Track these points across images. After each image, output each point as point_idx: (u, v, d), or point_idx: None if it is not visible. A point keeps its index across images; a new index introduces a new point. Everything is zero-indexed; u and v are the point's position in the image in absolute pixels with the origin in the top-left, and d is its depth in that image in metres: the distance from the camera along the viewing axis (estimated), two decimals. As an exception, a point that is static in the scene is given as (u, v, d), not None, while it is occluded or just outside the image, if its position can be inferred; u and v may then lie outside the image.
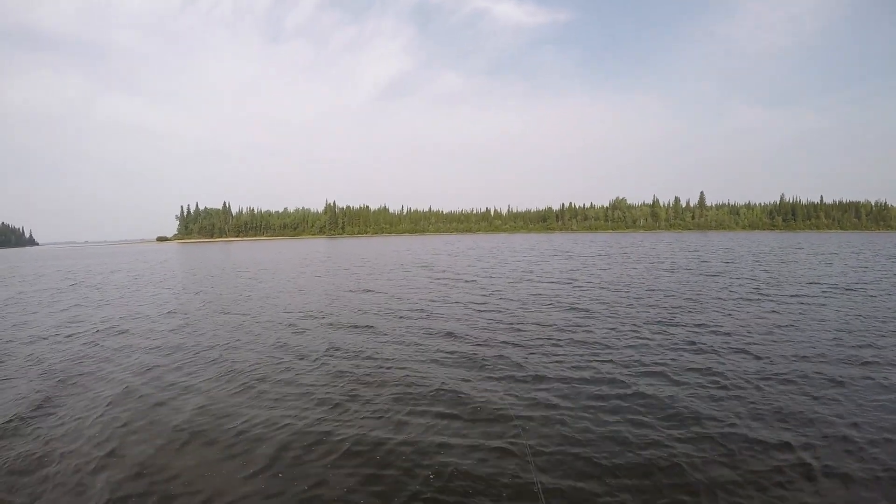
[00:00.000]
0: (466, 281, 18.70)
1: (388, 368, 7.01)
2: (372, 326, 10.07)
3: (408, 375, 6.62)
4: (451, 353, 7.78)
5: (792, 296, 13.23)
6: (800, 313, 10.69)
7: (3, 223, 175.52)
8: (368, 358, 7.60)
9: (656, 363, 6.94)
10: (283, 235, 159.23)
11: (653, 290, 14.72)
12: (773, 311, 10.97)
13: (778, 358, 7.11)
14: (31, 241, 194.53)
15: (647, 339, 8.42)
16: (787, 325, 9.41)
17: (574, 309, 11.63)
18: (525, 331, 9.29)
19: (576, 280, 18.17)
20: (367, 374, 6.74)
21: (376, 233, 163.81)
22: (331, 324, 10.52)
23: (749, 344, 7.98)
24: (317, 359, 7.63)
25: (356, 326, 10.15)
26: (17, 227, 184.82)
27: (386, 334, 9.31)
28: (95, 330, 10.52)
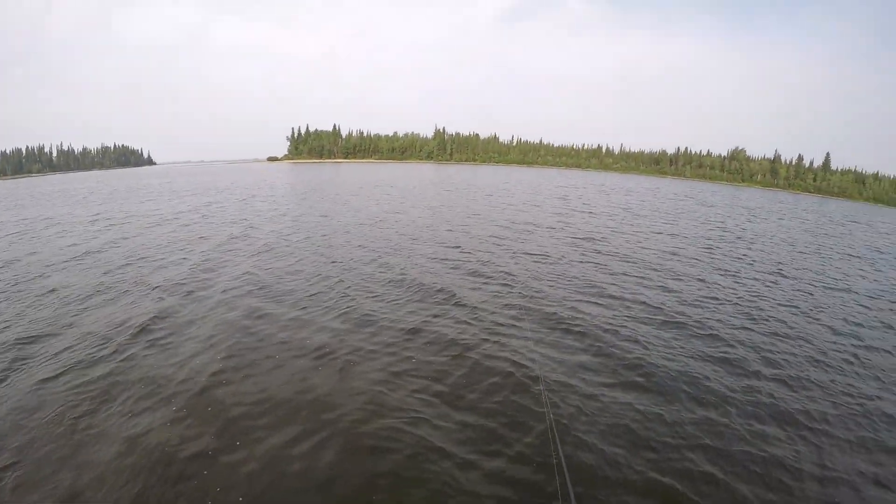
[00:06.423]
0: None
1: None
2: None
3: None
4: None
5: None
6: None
7: (123, 145, 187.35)
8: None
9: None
10: (390, 159, 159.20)
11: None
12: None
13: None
14: (150, 161, 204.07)
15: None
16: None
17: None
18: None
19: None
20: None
21: (484, 161, 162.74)
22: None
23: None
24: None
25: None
26: (136, 148, 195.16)
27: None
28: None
